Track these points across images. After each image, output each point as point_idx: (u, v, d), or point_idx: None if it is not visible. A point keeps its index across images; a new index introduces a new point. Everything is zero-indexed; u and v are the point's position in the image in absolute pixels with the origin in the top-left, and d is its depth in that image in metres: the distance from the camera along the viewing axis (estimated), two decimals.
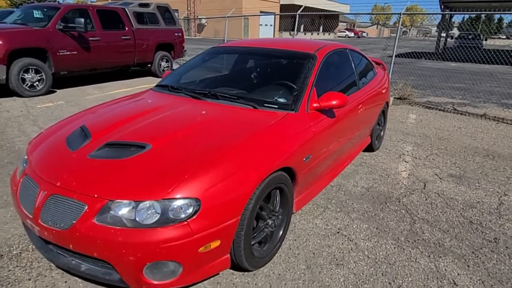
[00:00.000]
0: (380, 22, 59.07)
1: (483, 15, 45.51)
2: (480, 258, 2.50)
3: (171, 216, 1.75)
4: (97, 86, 8.44)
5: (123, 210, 1.77)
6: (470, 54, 12.81)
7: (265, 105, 2.64)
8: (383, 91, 4.28)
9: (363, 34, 52.73)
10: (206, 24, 39.28)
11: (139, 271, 1.77)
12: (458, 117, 6.76)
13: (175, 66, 11.43)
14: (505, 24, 61.85)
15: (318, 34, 45.80)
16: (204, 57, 3.61)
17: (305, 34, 41.91)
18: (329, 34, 48.28)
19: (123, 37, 8.99)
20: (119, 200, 1.78)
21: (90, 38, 8.11)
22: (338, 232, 2.75)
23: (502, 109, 7.45)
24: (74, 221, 1.78)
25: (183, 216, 1.76)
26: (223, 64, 3.60)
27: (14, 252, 2.40)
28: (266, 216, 2.27)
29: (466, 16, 52.38)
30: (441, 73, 12.73)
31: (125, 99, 3.05)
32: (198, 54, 3.71)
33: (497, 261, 2.47)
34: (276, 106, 2.64)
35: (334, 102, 2.70)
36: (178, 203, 1.76)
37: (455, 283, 2.23)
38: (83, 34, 7.91)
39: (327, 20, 42.04)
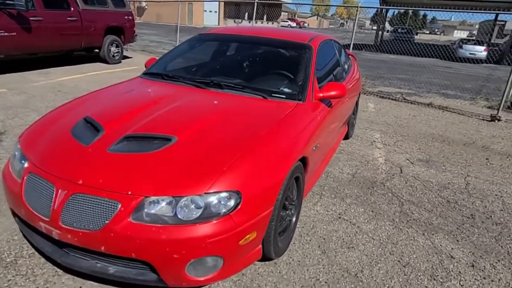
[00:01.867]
0: (320, 14, 61.22)
1: (410, 11, 49.36)
2: (465, 233, 2.80)
3: (214, 211, 1.70)
4: (41, 72, 7.65)
5: (162, 207, 1.68)
6: (405, 47, 13.88)
7: (273, 95, 2.65)
8: (359, 80, 4.50)
9: (305, 24, 54.12)
10: (146, 7, 37.27)
11: (181, 268, 1.70)
12: (409, 106, 7.35)
13: (125, 53, 10.77)
14: (428, 20, 67.87)
15: (262, 22, 46.02)
16: (193, 44, 3.47)
17: (249, 22, 41.83)
18: (272, 23, 48.76)
19: (68, 18, 8.21)
20: (157, 197, 1.68)
21: (31, 18, 7.27)
22: (339, 217, 2.88)
23: (444, 99, 8.24)
24: (107, 221, 1.65)
25: (225, 209, 1.72)
26: (213, 52, 3.49)
27: (8, 260, 2.15)
28: (288, 205, 2.31)
29: (396, 12, 56.28)
30: (385, 65, 13.63)
31: (119, 87, 2.84)
32: (185, 40, 3.55)
33: (478, 235, 2.80)
34: (284, 96, 2.65)
35: (335, 92, 2.80)
36: (220, 196, 1.72)
37: (452, 257, 2.49)
38: (23, 13, 7.08)
39: (270, 8, 42.40)
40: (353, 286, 2.14)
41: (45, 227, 1.78)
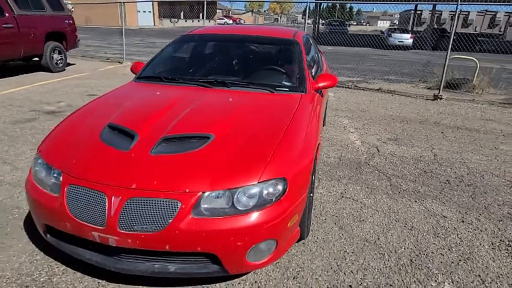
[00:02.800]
0: (254, 10, 62.20)
1: (338, 4, 52.22)
2: (447, 196, 3.24)
3: (267, 198, 1.83)
4: None
5: (219, 200, 1.78)
6: (341, 38, 14.78)
7: (277, 88, 2.81)
8: (329, 71, 4.83)
9: (241, 21, 54.58)
10: (73, 9, 34.77)
11: (243, 255, 1.81)
12: (362, 92, 7.95)
13: (69, 60, 10.10)
14: (354, 12, 72.45)
15: (199, 21, 45.48)
16: (178, 45, 3.49)
17: (186, 21, 41.16)
18: (209, 21, 48.44)
19: (4, 25, 7.52)
20: (214, 191, 1.77)
21: None
22: (342, 196, 3.15)
23: (389, 84, 9.03)
24: (170, 220, 1.70)
25: (276, 195, 1.86)
26: (204, 52, 3.53)
27: (42, 279, 2.07)
28: (311, 187, 2.50)
29: (324, 5, 59.04)
30: (327, 56, 14.36)
31: (122, 93, 2.80)
32: (170, 42, 3.55)
33: (457, 196, 3.25)
34: (287, 89, 2.83)
35: (328, 82, 3.05)
36: (270, 184, 1.85)
37: (444, 216, 2.88)
38: None
39: (206, 6, 42.04)
40: (376, 252, 2.41)
41: (99, 236, 1.76)
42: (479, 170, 3.80)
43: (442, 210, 2.98)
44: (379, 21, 71.70)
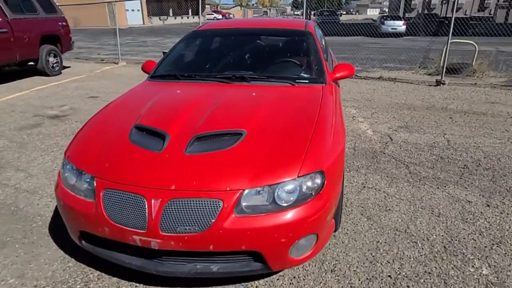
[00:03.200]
0: (243, 4, 61.71)
1: None
2: (467, 181, 3.24)
3: (307, 192, 1.81)
4: None
5: (260, 197, 1.75)
6: (335, 28, 14.72)
7: (297, 81, 2.78)
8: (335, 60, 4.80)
9: (230, 15, 54.19)
10: None
11: (286, 251, 1.79)
12: (363, 81, 7.94)
13: (64, 63, 9.94)
14: (343, 1, 72.26)
15: (188, 17, 45.08)
16: (190, 41, 3.44)
17: (175, 18, 40.78)
18: (199, 18, 47.95)
19: None
20: (254, 188, 1.74)
21: None
22: (364, 187, 3.14)
23: (388, 71, 9.01)
24: (213, 220, 1.67)
25: (315, 189, 1.84)
26: (218, 47, 3.47)
27: (78, 287, 2.03)
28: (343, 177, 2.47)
29: None
30: None
31: (140, 93, 2.74)
32: (181, 39, 3.49)
33: (478, 180, 3.25)
34: (307, 81, 2.80)
35: (345, 72, 3.02)
36: (309, 178, 1.82)
37: (469, 201, 2.88)
38: None
39: (194, 2, 41.67)
40: (408, 240, 2.40)
41: (140, 240, 1.73)
42: (495, 154, 3.81)
43: (465, 195, 2.99)
44: (368, 9, 71.71)
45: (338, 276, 2.10)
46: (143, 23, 37.46)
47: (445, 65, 7.29)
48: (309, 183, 1.82)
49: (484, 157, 3.73)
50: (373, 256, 2.25)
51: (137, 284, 2.05)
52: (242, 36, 3.42)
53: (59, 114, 5.50)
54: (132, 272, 2.10)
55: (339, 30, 14.94)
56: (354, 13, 71.00)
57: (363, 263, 2.19)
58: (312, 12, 27.79)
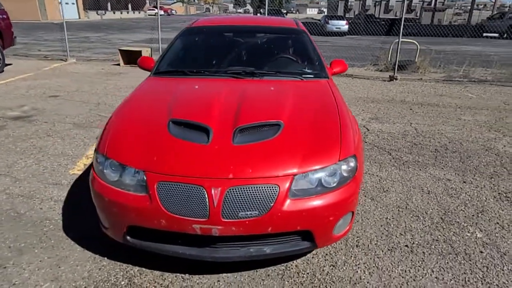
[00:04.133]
0: (185, 0, 60.49)
1: None
2: (442, 162, 3.71)
3: (346, 175, 2.01)
4: None
5: (309, 180, 1.92)
6: None
7: (303, 76, 2.98)
8: None
9: (172, 12, 52.80)
10: None
11: (331, 229, 1.98)
12: None
13: (8, 60, 9.07)
14: (284, 0, 74.15)
15: (128, 12, 43.05)
16: (186, 38, 3.46)
17: (114, 13, 38.73)
18: (139, 13, 46.05)
19: None
20: (303, 173, 1.90)
21: None
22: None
23: None
24: (272, 204, 1.80)
25: (352, 172, 2.05)
26: (214, 44, 3.51)
27: (123, 283, 2.04)
28: None
29: None
30: None
31: (156, 89, 2.74)
32: (177, 36, 3.49)
33: (450, 161, 3.74)
34: (312, 76, 3.01)
35: (340, 68, 3.30)
36: (347, 162, 2.03)
37: (449, 180, 3.33)
38: None
39: None
40: (411, 215, 2.73)
41: (201, 228, 1.80)
42: (457, 139, 4.37)
43: (444, 174, 3.43)
44: (308, 9, 74.54)
45: (363, 249, 2.34)
46: (79, 17, 35.01)
47: (397, 62, 8.01)
48: (347, 167, 2.03)
49: (449, 142, 4.27)
50: (387, 230, 2.54)
51: (183, 275, 2.10)
52: (241, 33, 3.52)
53: (23, 115, 5.09)
54: (172, 263, 2.15)
55: None
56: (294, 12, 73.29)
57: (381, 237, 2.47)
58: (261, 10, 28.20)
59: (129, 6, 43.93)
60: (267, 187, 1.82)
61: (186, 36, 3.47)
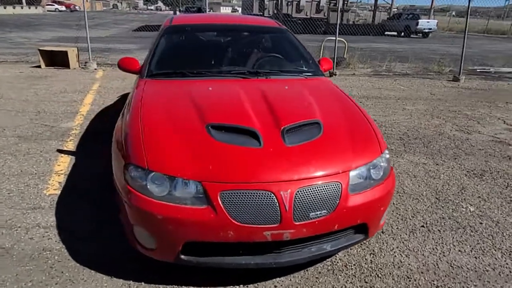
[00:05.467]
0: None
1: None
2: (411, 148, 4.11)
3: (387, 165, 2.12)
4: None
5: (360, 174, 1.98)
6: None
7: (303, 74, 3.03)
8: None
9: (76, 8, 48.01)
10: None
11: (380, 219, 2.08)
12: None
13: None
14: None
15: (22, 7, 37.89)
16: (170, 37, 3.24)
17: (5, 8, 33.93)
18: (36, 8, 40.85)
19: None
20: (357, 169, 1.96)
21: None
22: None
23: None
24: (337, 201, 1.83)
25: (390, 162, 2.17)
26: (203, 43, 3.32)
27: None
28: None
29: None
30: None
31: (166, 93, 2.51)
32: (161, 35, 3.21)
33: (417, 147, 4.16)
34: (311, 74, 3.08)
35: (328, 66, 3.42)
36: (385, 153, 2.15)
37: (424, 163, 3.72)
38: None
39: None
40: (411, 198, 2.99)
41: (272, 234, 1.73)
42: (412, 127, 4.89)
43: (418, 159, 3.82)
44: (221, 7, 74.73)
45: (390, 235, 2.50)
46: None
47: (335, 59, 8.58)
48: (386, 158, 2.14)
49: (407, 130, 4.75)
50: (400, 215, 2.74)
51: (237, 286, 1.99)
52: (227, 32, 3.41)
53: None
54: (218, 276, 2.03)
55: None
56: (209, 10, 72.79)
57: (398, 222, 2.66)
58: (180, 8, 27.47)
59: (23, 0, 38.72)
60: (331, 185, 1.83)
61: (170, 35, 3.24)
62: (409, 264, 2.21)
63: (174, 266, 1.99)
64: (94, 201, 2.80)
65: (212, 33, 3.45)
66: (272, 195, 1.73)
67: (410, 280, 2.08)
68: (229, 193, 1.72)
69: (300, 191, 1.77)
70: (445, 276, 2.12)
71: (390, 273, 2.13)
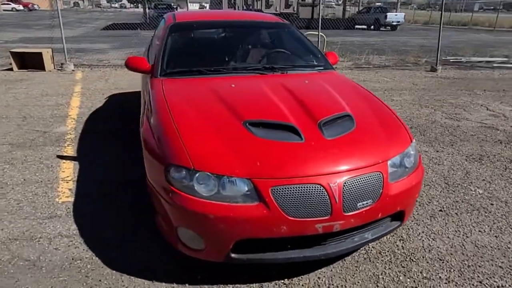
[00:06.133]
0: None
1: None
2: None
3: (416, 153, 2.20)
4: None
5: (397, 163, 2.04)
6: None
7: (316, 68, 3.07)
8: None
9: (34, 6, 45.58)
10: None
11: (414, 205, 2.16)
12: None
13: None
14: None
15: None
16: (178, 34, 3.16)
17: None
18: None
19: None
20: (393, 158, 2.02)
21: None
22: None
23: None
24: (381, 191, 1.88)
25: (417, 150, 2.25)
26: (213, 40, 3.26)
27: None
28: None
29: None
30: None
31: (192, 91, 2.47)
32: (165, 34, 3.13)
33: (415, 136, 4.26)
34: (322, 68, 3.12)
35: (333, 59, 3.48)
36: (414, 143, 2.23)
37: (426, 151, 3.87)
38: None
39: None
40: (423, 184, 3.10)
41: (323, 227, 1.76)
42: (405, 116, 5.06)
43: (420, 147, 3.97)
44: (189, 4, 73.53)
45: (413, 221, 2.59)
46: None
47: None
48: (414, 146, 2.22)
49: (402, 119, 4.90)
50: (417, 201, 2.85)
51: (282, 280, 2.01)
52: (234, 28, 3.38)
53: None
54: (260, 272, 2.04)
55: None
56: (175, 6, 71.52)
57: (417, 207, 2.76)
58: (149, 6, 26.72)
59: None
60: (375, 175, 1.88)
61: (178, 33, 3.17)
62: (438, 247, 2.31)
63: (217, 265, 1.98)
64: (112, 207, 2.71)
65: (220, 29, 3.41)
66: (322, 188, 1.75)
67: (443, 262, 2.17)
68: (280, 189, 1.73)
69: (348, 183, 1.80)
70: (473, 255, 2.24)
71: (423, 257, 2.22)
